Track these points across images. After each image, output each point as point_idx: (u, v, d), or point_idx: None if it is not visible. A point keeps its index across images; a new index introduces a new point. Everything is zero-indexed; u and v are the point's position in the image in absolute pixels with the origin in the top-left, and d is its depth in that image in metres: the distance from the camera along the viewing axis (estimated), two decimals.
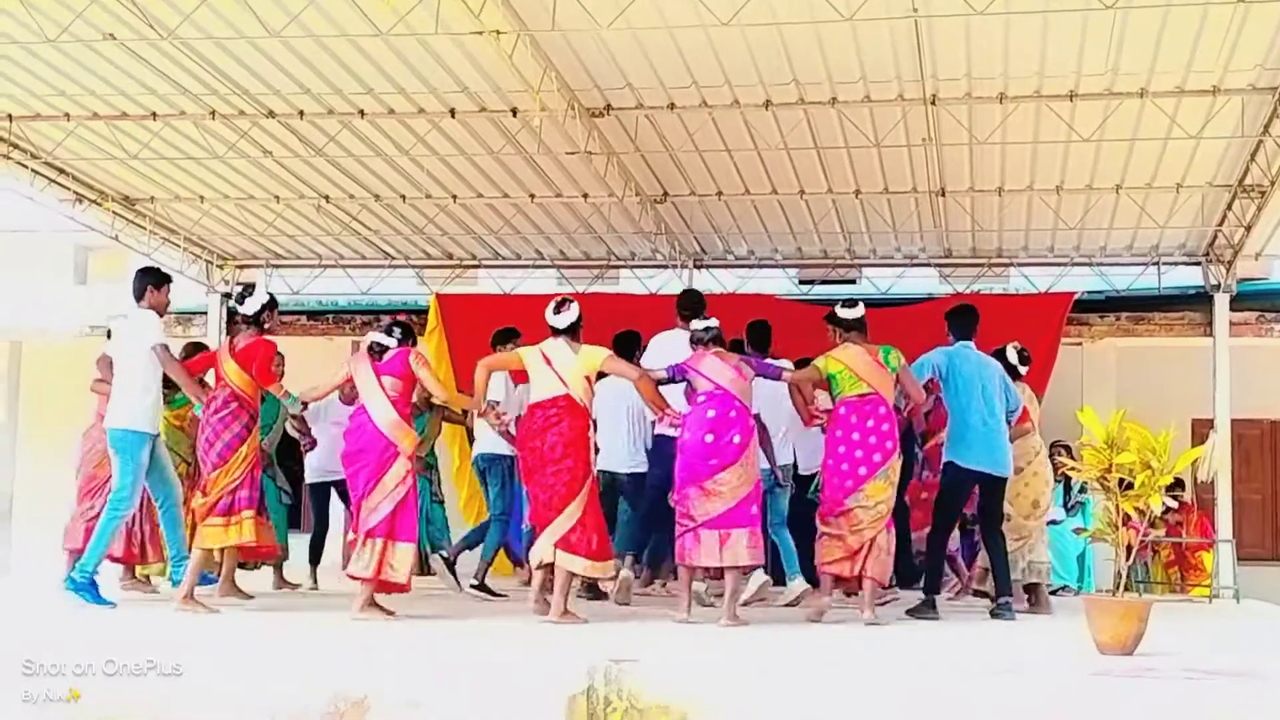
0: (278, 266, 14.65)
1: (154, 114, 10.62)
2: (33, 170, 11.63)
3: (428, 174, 11.73)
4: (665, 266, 14.15)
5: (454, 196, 12.35)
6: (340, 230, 13.53)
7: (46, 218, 13.25)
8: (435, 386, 8.51)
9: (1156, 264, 13.50)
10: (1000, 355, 9.49)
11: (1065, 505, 12.88)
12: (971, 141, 10.42)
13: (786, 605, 9.29)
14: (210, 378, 8.96)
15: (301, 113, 10.46)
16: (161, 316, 8.83)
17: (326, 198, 12.54)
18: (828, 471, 8.45)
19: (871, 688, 5.57)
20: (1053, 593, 12.43)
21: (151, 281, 8.85)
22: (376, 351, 8.36)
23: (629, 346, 9.67)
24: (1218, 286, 13.09)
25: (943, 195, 11.81)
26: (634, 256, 14.22)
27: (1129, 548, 6.63)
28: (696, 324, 8.47)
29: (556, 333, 8.16)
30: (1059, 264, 13.74)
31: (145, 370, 8.64)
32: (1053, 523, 12.73)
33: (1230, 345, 13.00)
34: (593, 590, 9.70)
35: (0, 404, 15.74)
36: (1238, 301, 13.24)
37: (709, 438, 8.04)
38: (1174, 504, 11.30)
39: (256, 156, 11.42)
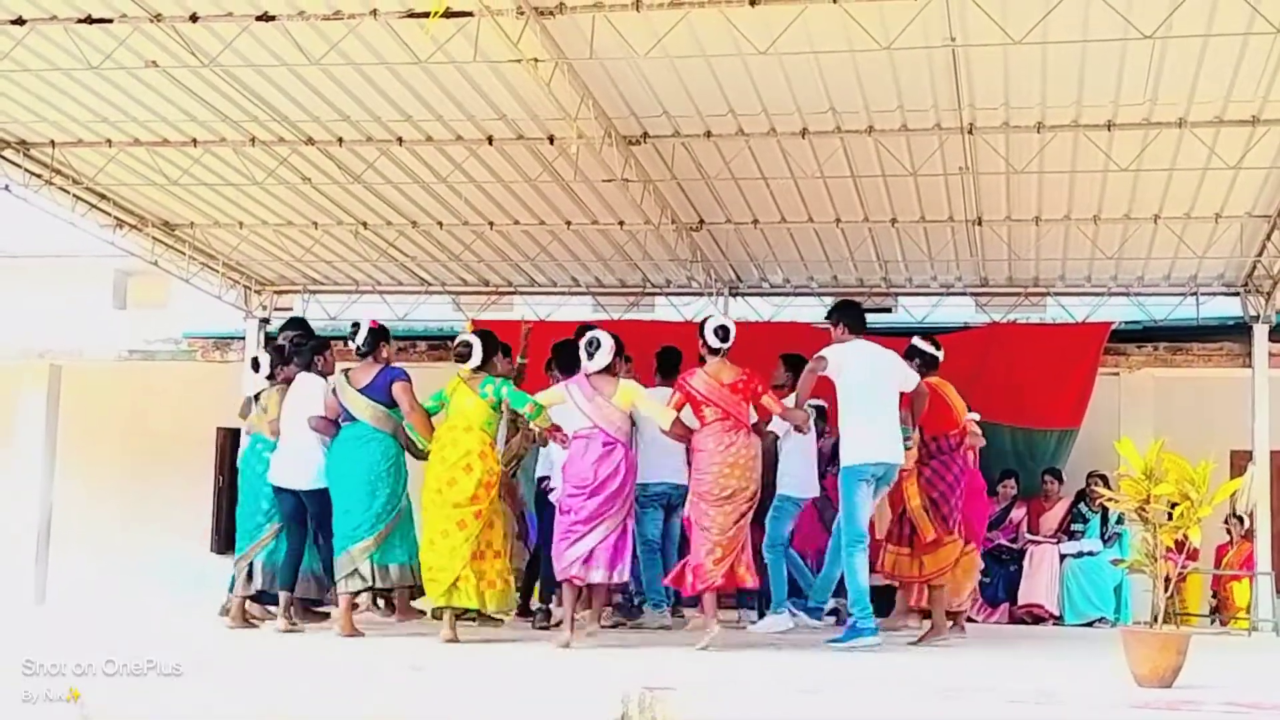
0: (315, 292, 14.73)
1: (194, 140, 10.71)
2: (74, 195, 11.72)
3: (464, 201, 11.78)
4: (701, 294, 14.14)
5: (490, 223, 12.39)
6: (377, 256, 13.59)
7: (86, 242, 13.33)
8: None
9: (1195, 294, 13.41)
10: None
11: (1102, 536, 12.78)
12: (1008, 171, 10.40)
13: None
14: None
15: (340, 140, 10.53)
16: None
17: (364, 224, 12.60)
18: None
19: (911, 716, 5.54)
20: (1089, 624, 12.41)
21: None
22: None
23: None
24: (1257, 317, 13.01)
25: (979, 224, 11.76)
26: (669, 284, 14.22)
27: (1167, 579, 6.58)
28: None
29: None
30: (1096, 294, 13.67)
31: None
32: (1089, 554, 12.70)
33: (1270, 376, 12.90)
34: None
35: (39, 427, 15.81)
36: (1277, 332, 13.15)
37: None
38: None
39: (295, 183, 11.49)
